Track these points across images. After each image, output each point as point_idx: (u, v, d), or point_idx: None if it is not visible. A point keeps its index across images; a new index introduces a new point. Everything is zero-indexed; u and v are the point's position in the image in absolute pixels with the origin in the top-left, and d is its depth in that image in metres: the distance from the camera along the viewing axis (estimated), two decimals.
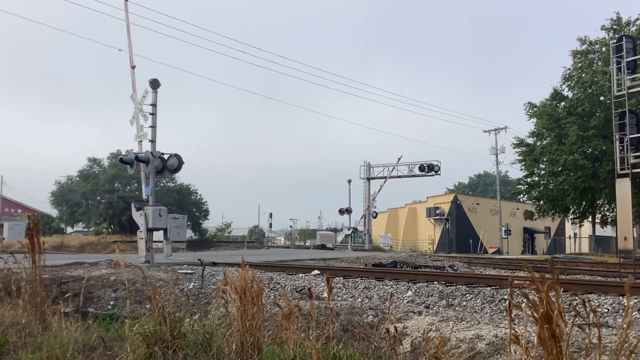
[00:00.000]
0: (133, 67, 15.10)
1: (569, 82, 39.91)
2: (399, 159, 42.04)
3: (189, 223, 58.60)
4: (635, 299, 8.01)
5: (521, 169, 42.79)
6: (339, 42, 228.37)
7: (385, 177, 43.48)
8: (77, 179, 63.57)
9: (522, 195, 44.81)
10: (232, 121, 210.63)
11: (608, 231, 43.83)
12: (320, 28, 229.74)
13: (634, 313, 7.30)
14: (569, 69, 40.15)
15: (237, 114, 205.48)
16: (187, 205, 63.56)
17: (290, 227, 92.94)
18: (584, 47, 39.85)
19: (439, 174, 41.03)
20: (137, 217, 14.34)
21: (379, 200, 43.85)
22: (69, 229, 69.12)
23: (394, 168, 42.34)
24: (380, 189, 43.46)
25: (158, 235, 18.49)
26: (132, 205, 14.79)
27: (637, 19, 36.91)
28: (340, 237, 62.50)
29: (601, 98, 37.27)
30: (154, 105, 14.85)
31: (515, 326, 3.07)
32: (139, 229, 14.45)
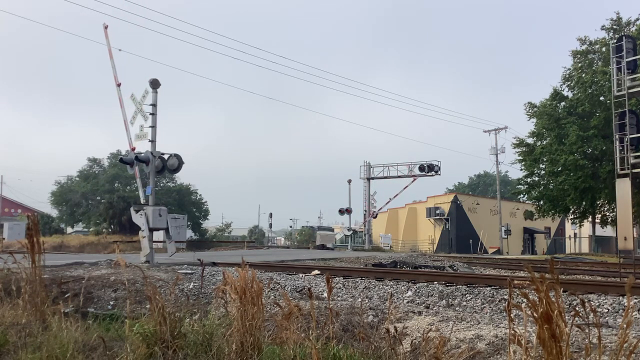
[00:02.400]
0: (118, 85, 15.39)
1: (569, 82, 39.91)
2: (414, 179, 42.11)
3: (189, 223, 58.53)
4: (635, 299, 8.01)
5: (521, 169, 42.84)
6: (341, 42, 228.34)
7: (386, 177, 43.52)
8: (77, 179, 63.52)
9: (522, 195, 44.82)
10: (233, 121, 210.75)
11: (608, 231, 43.84)
12: (322, 28, 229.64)
13: (634, 313, 7.30)
14: (569, 69, 40.16)
15: (239, 115, 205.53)
16: (187, 205, 63.47)
17: (290, 227, 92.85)
18: (584, 47, 39.86)
19: (439, 174, 41.02)
20: (137, 218, 14.35)
21: (379, 200, 43.94)
22: (69, 229, 69.06)
23: (406, 187, 42.59)
24: (393, 199, 43.73)
25: (158, 236, 18.48)
26: (132, 209, 14.82)
27: (637, 19, 36.93)
28: (338, 236, 62.53)
29: (601, 98, 37.28)
30: (154, 105, 14.85)
31: (515, 326, 3.07)
32: (140, 229, 14.46)
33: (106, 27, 15.47)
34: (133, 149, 15.25)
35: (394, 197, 43.12)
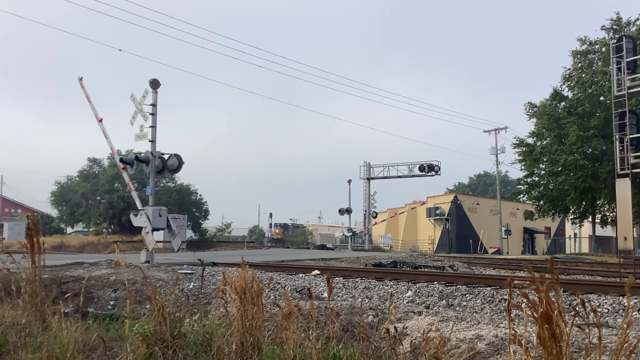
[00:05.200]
0: (100, 120, 16.06)
1: (569, 82, 39.92)
2: (424, 202, 42.47)
3: (189, 223, 58.51)
4: (635, 299, 8.02)
5: (521, 169, 42.83)
6: (345, 43, 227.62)
7: (386, 177, 43.60)
8: (77, 179, 63.46)
9: (522, 195, 44.82)
10: (234, 122, 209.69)
11: (608, 231, 43.84)
12: (326, 29, 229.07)
13: (634, 313, 7.30)
14: (569, 69, 40.17)
15: (240, 115, 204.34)
16: (187, 205, 63.42)
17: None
18: (584, 47, 39.87)
19: (439, 174, 41.01)
20: (138, 220, 14.37)
21: (379, 200, 43.96)
22: (69, 229, 69.02)
23: (414, 208, 42.75)
24: (400, 214, 43.84)
25: (158, 236, 18.50)
26: (131, 215, 14.89)
27: (637, 19, 36.92)
28: (337, 234, 62.39)
29: (601, 98, 37.28)
30: (154, 105, 14.86)
31: (515, 326, 3.07)
32: (143, 227, 14.48)
33: (81, 79, 16.30)
34: (124, 168, 16.20)
35: (401, 213, 43.21)
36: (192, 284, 10.49)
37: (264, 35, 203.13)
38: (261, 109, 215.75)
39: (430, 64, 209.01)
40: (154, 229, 14.60)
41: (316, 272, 12.71)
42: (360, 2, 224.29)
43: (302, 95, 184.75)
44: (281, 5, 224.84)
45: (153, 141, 14.80)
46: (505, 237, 50.73)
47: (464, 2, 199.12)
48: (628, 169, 20.14)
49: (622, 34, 31.69)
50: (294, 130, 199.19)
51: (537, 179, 42.13)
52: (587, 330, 3.12)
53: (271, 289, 10.10)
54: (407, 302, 9.13)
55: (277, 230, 60.12)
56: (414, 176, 42.17)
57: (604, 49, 36.78)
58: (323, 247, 42.69)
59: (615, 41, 22.60)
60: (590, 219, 41.85)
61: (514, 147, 43.48)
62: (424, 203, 42.06)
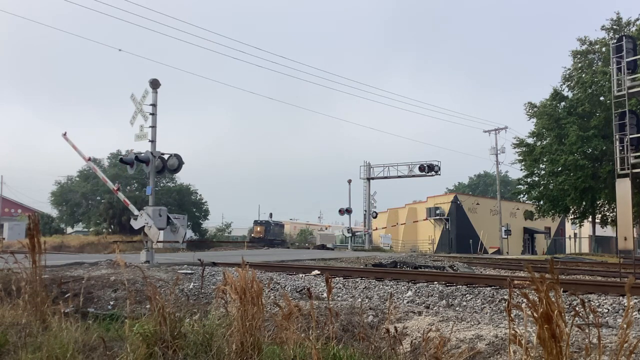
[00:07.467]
0: (88, 159, 17.20)
1: (569, 82, 39.96)
2: (426, 216, 42.61)
3: (189, 223, 58.49)
4: (635, 299, 8.02)
5: (521, 169, 42.88)
6: (346, 44, 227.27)
7: (386, 177, 43.62)
8: (77, 179, 63.49)
9: (522, 195, 44.85)
10: (236, 122, 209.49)
11: (608, 231, 43.84)
12: (329, 29, 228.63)
13: (634, 313, 7.30)
14: (569, 69, 40.21)
15: (241, 115, 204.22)
16: (187, 205, 63.43)
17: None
18: (584, 47, 39.90)
19: (439, 174, 41.06)
20: (139, 221, 14.34)
21: (379, 200, 43.99)
22: (69, 229, 69.00)
23: (416, 222, 42.73)
24: (401, 225, 43.75)
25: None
26: (131, 221, 14.89)
27: (637, 19, 36.97)
28: (337, 232, 62.02)
29: (601, 98, 37.31)
30: (154, 105, 14.85)
31: (515, 326, 3.07)
32: (146, 224, 14.48)
33: (65, 134, 16.80)
34: (117, 190, 16.99)
35: (402, 223, 43.02)
36: (192, 284, 10.49)
37: (266, 36, 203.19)
38: (262, 109, 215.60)
39: (431, 64, 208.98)
40: None
41: (316, 272, 12.71)
42: (363, 3, 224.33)
43: (304, 96, 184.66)
44: (284, 5, 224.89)
45: (153, 141, 14.80)
46: (505, 237, 50.74)
47: (465, 3, 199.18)
48: (628, 169, 20.13)
49: (622, 34, 31.71)
50: (294, 130, 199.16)
51: (537, 179, 42.17)
52: (587, 330, 3.12)
53: (271, 289, 10.10)
54: (407, 302, 9.14)
55: (258, 229, 59.09)
56: (414, 176, 42.21)
57: (604, 49, 36.80)
58: (323, 247, 42.72)
59: (615, 41, 22.58)
60: (590, 219, 41.86)
61: (514, 147, 43.58)
62: (426, 217, 42.23)
